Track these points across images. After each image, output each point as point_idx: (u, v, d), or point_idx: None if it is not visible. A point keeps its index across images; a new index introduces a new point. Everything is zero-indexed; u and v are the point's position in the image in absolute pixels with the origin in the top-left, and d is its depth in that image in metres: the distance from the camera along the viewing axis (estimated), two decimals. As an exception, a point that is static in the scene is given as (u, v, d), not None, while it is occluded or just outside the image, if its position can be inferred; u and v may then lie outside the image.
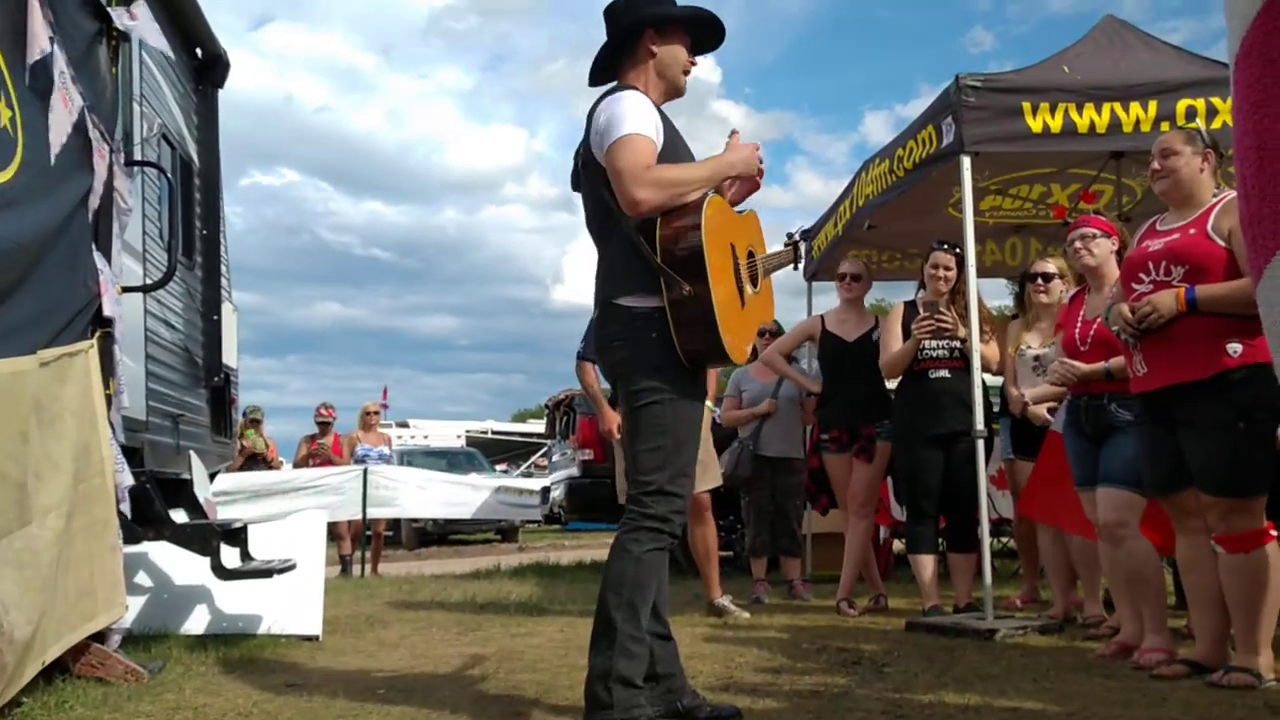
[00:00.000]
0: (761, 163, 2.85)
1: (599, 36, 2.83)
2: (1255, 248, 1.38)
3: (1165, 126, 4.24)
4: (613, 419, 4.95)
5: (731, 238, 2.74)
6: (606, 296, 2.68)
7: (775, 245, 3.08)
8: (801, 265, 3.23)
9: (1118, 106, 4.42)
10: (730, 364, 2.76)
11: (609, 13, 2.82)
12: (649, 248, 2.58)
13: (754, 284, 2.85)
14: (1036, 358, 4.53)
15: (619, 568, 2.57)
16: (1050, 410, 4.36)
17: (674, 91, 2.83)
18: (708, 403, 3.57)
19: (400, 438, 20.96)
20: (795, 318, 6.87)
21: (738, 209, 2.91)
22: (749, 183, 2.92)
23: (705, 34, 2.86)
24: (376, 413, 10.42)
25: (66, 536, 3.02)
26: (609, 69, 2.84)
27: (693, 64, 2.83)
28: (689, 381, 2.65)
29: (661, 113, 2.73)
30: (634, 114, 2.58)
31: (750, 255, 2.86)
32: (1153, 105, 4.41)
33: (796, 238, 3.13)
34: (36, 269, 2.96)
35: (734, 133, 2.88)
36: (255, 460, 9.53)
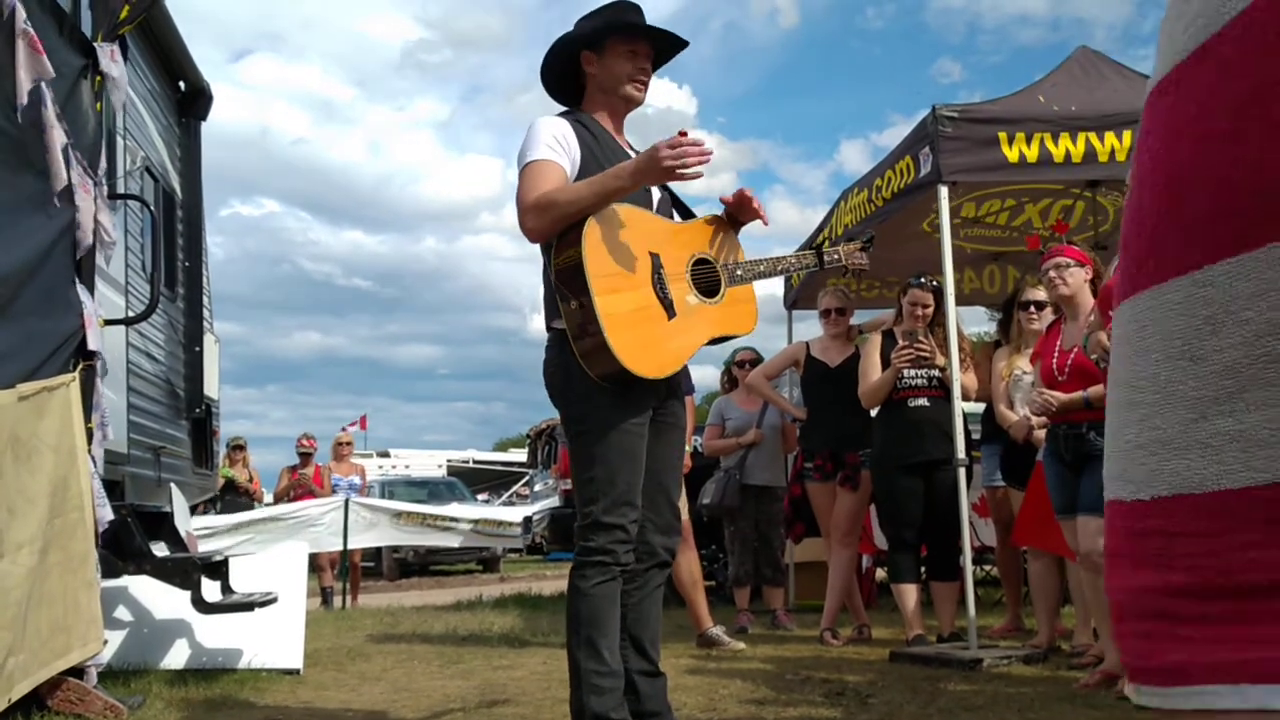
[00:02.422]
0: (689, 156, 2.44)
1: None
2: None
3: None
4: None
5: (654, 246, 2.58)
6: (547, 322, 2.65)
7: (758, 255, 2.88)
8: (834, 261, 3.05)
9: (1093, 136, 4.48)
10: (635, 379, 2.45)
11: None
12: (548, 267, 2.55)
13: (710, 295, 2.68)
14: (1033, 382, 4.53)
15: (571, 607, 2.56)
16: None
17: (629, 103, 2.75)
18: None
19: (381, 467, 20.80)
20: (775, 345, 6.90)
21: (707, 217, 2.79)
22: (749, 211, 2.79)
23: (659, 43, 2.74)
24: (349, 444, 10.31)
25: (40, 572, 2.98)
26: (575, 100, 2.80)
27: (643, 71, 2.72)
28: (620, 406, 2.52)
29: (591, 128, 2.67)
30: (534, 142, 2.57)
31: (704, 262, 2.69)
32: (1128, 135, 4.46)
33: (835, 248, 3.02)
34: (15, 302, 2.95)
35: (681, 132, 2.50)
36: (235, 491, 9.40)
